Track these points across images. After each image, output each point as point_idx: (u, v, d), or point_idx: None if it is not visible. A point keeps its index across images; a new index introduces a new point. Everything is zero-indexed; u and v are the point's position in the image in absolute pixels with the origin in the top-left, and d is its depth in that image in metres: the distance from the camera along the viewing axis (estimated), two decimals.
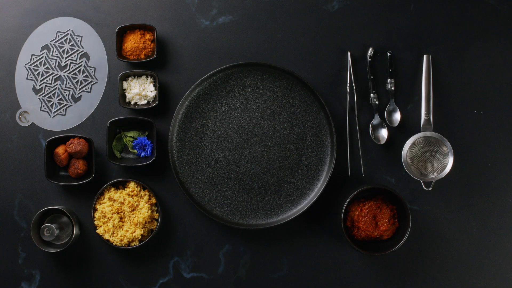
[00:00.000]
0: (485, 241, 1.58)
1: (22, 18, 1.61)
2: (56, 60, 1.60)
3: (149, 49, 1.59)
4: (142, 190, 1.55)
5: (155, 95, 1.58)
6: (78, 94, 1.60)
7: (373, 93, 1.58)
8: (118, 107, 1.60)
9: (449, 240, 1.58)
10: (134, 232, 1.52)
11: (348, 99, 1.59)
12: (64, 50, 1.61)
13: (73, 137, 1.54)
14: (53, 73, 1.60)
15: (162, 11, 1.62)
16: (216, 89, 1.59)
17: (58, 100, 1.60)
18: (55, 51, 1.61)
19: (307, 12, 1.61)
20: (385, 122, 1.58)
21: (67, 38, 1.61)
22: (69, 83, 1.60)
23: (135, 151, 1.58)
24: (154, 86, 1.58)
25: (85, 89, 1.60)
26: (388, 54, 1.59)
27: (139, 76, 1.59)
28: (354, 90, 1.59)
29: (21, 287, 1.57)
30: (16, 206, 1.58)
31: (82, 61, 1.60)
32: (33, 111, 1.60)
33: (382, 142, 1.57)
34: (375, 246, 1.53)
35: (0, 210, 1.58)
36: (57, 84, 1.60)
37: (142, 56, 1.58)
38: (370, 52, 1.59)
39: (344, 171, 1.58)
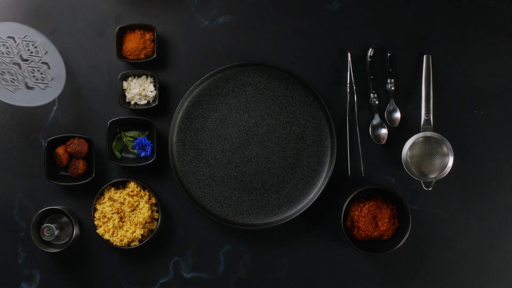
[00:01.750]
0: (485, 241, 1.58)
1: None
2: (18, 52, 1.51)
3: (149, 49, 1.59)
4: (142, 190, 1.55)
5: (155, 95, 1.58)
6: (32, 85, 1.51)
7: (373, 93, 1.58)
8: (118, 107, 1.60)
9: (449, 240, 1.58)
10: (134, 232, 1.52)
11: (348, 99, 1.59)
12: (29, 50, 1.51)
13: (73, 137, 1.54)
14: (13, 58, 1.51)
15: (162, 11, 1.62)
16: (216, 89, 1.59)
17: (11, 78, 1.51)
18: (20, 45, 1.51)
19: (307, 12, 1.61)
20: (385, 122, 1.58)
21: (34, 46, 1.51)
22: (25, 72, 1.51)
23: (135, 151, 1.57)
24: (154, 86, 1.58)
25: (40, 85, 1.52)
26: (388, 54, 1.59)
27: (139, 76, 1.59)
28: (354, 90, 1.59)
29: (21, 287, 1.57)
30: (16, 206, 1.58)
31: (43, 67, 1.52)
32: None
33: (382, 142, 1.57)
34: (375, 246, 1.53)
35: (0, 210, 1.58)
36: (14, 67, 1.50)
37: (142, 56, 1.58)
38: (370, 52, 1.59)
39: (344, 171, 1.58)
